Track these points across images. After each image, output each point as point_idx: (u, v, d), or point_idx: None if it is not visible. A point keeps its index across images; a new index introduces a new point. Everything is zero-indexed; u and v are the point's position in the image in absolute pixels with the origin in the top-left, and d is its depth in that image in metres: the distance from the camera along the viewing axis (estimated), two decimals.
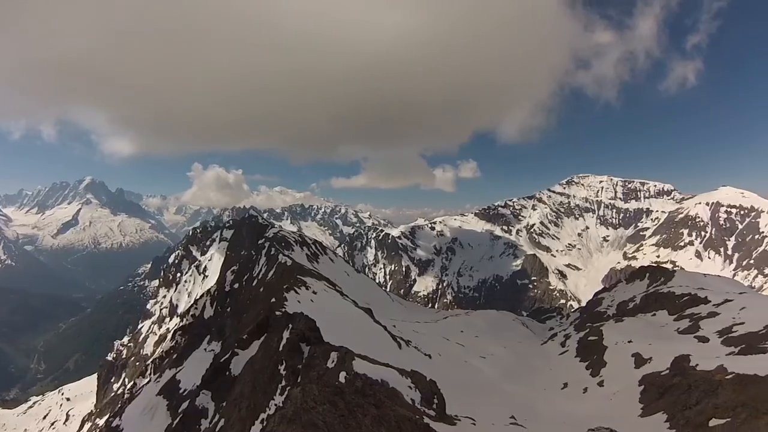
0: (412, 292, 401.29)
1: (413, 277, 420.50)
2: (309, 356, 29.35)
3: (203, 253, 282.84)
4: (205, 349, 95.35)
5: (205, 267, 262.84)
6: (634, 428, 45.25)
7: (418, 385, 27.10)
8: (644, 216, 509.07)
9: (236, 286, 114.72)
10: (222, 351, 72.86)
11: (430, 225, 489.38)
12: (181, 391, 72.72)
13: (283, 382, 31.34)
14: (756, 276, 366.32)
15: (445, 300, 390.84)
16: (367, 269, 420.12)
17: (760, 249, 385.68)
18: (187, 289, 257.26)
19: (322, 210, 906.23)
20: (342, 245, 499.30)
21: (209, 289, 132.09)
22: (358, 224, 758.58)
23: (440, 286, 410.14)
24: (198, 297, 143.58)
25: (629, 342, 77.72)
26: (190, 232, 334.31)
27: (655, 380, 57.47)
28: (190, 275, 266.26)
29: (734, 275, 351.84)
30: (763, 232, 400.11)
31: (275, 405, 29.76)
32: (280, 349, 34.54)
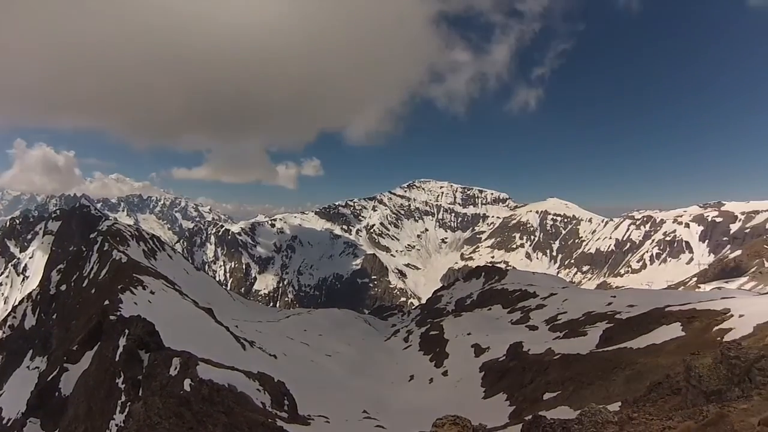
0: (253, 290, 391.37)
1: (254, 275, 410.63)
2: (149, 364, 26.57)
3: (23, 250, 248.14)
4: (29, 367, 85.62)
5: (25, 266, 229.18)
6: (479, 410, 47.90)
7: (267, 387, 25.77)
8: (481, 221, 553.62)
9: (63, 288, 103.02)
10: (49, 367, 64.52)
11: (270, 222, 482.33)
12: (3, 422, 64.10)
13: (123, 398, 27.84)
14: (576, 273, 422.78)
15: (286, 299, 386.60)
16: (206, 267, 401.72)
17: (579, 251, 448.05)
18: (2, 294, 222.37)
19: (162, 202, 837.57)
20: (181, 241, 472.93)
21: (30, 292, 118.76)
22: (198, 219, 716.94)
23: (281, 285, 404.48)
24: (17, 303, 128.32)
25: (468, 334, 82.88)
26: (7, 223, 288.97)
27: (494, 366, 61.74)
28: (7, 276, 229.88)
29: (558, 273, 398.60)
30: (581, 237, 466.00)
31: (116, 425, 26.36)
32: (117, 359, 30.90)
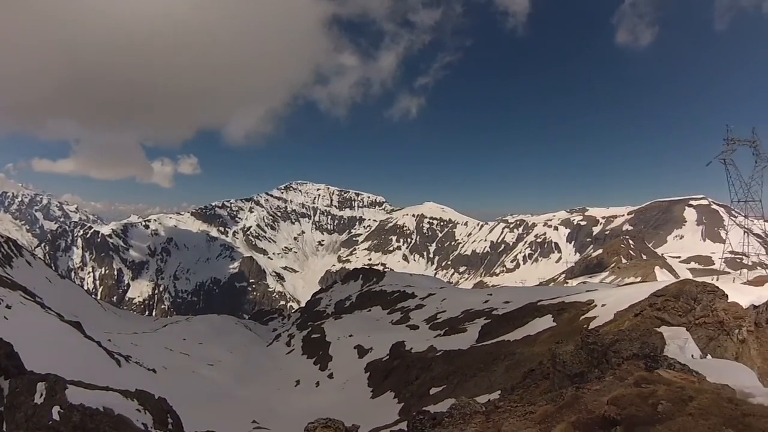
0: (127, 298, 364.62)
1: (126, 282, 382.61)
2: (10, 393, 23.81)
3: None
4: None
5: None
6: (369, 409, 48.44)
7: (147, 405, 24.13)
8: (358, 223, 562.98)
9: None
10: None
11: (144, 223, 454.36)
12: None
13: None
14: (453, 273, 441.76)
15: (163, 306, 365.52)
16: (73, 274, 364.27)
17: (456, 252, 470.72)
18: None
19: (19, 199, 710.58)
20: (43, 244, 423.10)
21: None
22: (62, 219, 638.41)
23: (157, 291, 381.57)
24: None
25: (350, 336, 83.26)
26: None
27: (379, 366, 62.62)
28: None
29: (435, 274, 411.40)
30: (457, 240, 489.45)
31: None
32: None
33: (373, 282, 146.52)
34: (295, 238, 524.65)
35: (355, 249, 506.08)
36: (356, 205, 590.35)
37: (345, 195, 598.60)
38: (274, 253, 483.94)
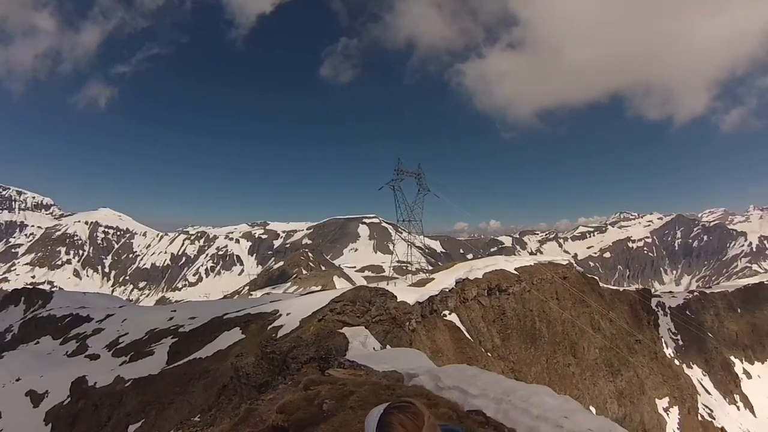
0: None
1: None
2: None
3: None
4: None
5: None
6: None
7: None
8: (18, 230, 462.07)
9: None
10: None
11: None
12: None
13: None
14: (132, 290, 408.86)
15: None
16: None
17: (135, 266, 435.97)
18: None
19: None
20: None
21: None
22: None
23: None
24: None
25: (17, 380, 70.18)
26: None
27: (61, 413, 55.07)
28: None
29: (113, 291, 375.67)
30: (136, 252, 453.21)
31: None
32: None
33: (38, 305, 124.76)
34: None
35: (14, 264, 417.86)
36: (17, 206, 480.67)
37: (4, 193, 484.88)
38: None
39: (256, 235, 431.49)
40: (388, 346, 34.15)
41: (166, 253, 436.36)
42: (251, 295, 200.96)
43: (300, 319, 45.18)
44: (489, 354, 55.59)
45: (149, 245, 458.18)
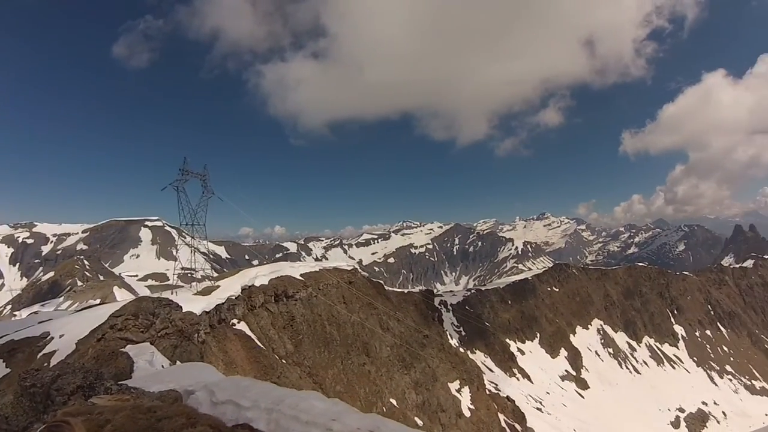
0: None
1: None
2: None
3: None
4: None
5: None
6: None
7: None
8: None
9: None
10: None
11: None
12: None
13: None
14: None
15: None
16: None
17: None
18: None
19: None
20: None
21: None
22: None
23: None
24: None
25: None
26: None
27: None
28: None
29: None
30: None
31: None
32: None
33: None
34: None
35: None
36: None
37: None
38: None
39: (20, 240, 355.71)
40: (178, 362, 32.33)
41: None
42: (15, 315, 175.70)
43: (76, 340, 40.41)
44: (284, 361, 55.88)
45: None
